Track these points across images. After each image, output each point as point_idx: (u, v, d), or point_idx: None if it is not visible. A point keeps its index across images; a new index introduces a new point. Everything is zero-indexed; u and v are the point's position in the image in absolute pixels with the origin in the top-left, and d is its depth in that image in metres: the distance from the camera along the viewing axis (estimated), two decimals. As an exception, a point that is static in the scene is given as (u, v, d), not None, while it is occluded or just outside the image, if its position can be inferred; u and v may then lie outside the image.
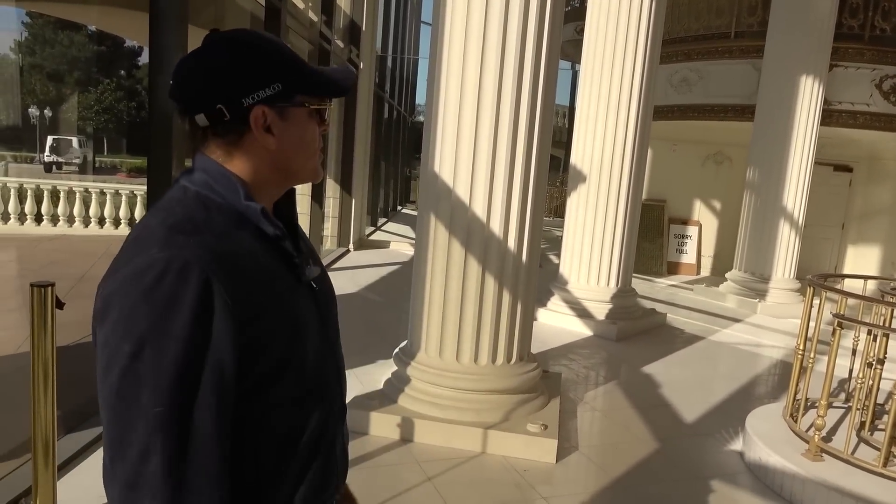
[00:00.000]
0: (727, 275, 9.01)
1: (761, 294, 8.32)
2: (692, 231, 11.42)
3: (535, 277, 3.88)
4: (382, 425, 3.55)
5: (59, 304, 2.07)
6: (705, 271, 11.36)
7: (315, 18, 7.95)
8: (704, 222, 11.44)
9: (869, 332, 3.26)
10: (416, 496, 3.02)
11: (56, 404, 1.99)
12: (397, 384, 3.78)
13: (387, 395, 3.78)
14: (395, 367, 3.91)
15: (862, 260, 10.73)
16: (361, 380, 4.30)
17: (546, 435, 3.48)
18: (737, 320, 7.71)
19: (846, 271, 10.61)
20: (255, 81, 0.95)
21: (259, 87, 0.95)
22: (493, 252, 3.60)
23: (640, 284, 8.69)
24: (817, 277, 3.65)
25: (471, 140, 3.51)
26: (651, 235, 11.17)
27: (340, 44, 9.40)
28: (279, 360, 0.94)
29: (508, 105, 3.47)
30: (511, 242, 3.62)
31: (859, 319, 3.44)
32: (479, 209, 3.56)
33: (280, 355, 0.94)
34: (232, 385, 0.88)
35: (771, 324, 7.62)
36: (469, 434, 3.47)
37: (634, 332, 6.42)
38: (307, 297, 1.03)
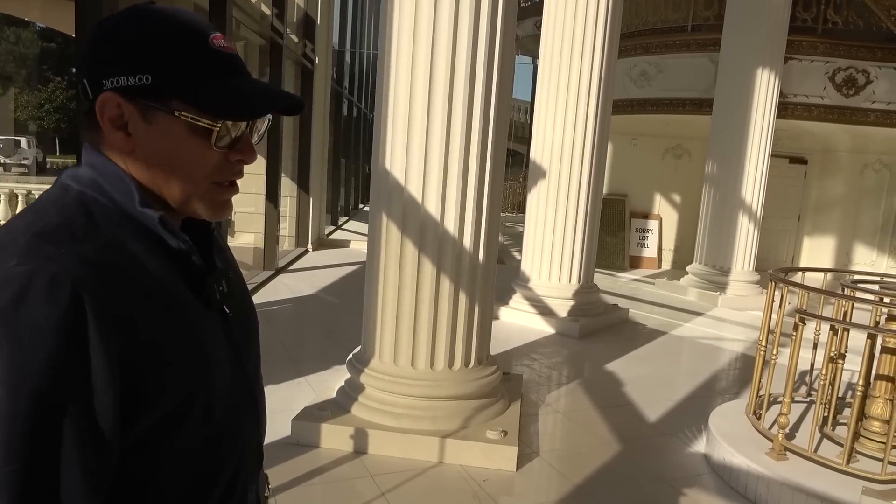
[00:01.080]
0: (688, 268, 9.04)
1: (721, 287, 8.35)
2: (653, 225, 11.46)
3: (493, 277, 3.74)
4: (334, 437, 3.36)
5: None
6: (666, 265, 11.42)
7: (267, 11, 7.68)
8: (665, 216, 11.50)
9: (831, 328, 3.20)
10: (369, 513, 2.86)
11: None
12: (350, 392, 3.60)
13: (339, 405, 3.59)
14: (348, 375, 3.73)
15: (817, 251, 10.93)
16: (315, 388, 4.11)
17: (506, 442, 3.34)
18: (698, 314, 7.71)
19: (803, 262, 10.78)
20: (120, 63, 0.76)
21: (122, 71, 0.76)
22: (448, 252, 3.44)
23: (602, 279, 8.65)
24: (777, 272, 3.59)
25: (422, 134, 3.34)
26: (613, 230, 11.17)
27: (294, 38, 9.13)
28: (179, 404, 0.76)
29: (461, 97, 3.31)
30: (467, 241, 3.47)
31: (821, 314, 3.39)
32: (433, 207, 3.40)
33: (180, 397, 0.76)
34: (113, 435, 0.70)
35: (732, 316, 7.64)
36: (425, 444, 3.31)
37: (597, 328, 6.34)
38: (217, 326, 0.85)
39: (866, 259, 10.64)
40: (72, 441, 0.67)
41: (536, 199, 6.47)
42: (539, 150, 6.41)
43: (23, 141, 28.07)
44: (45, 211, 0.75)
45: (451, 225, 3.42)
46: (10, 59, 35.20)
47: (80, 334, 0.67)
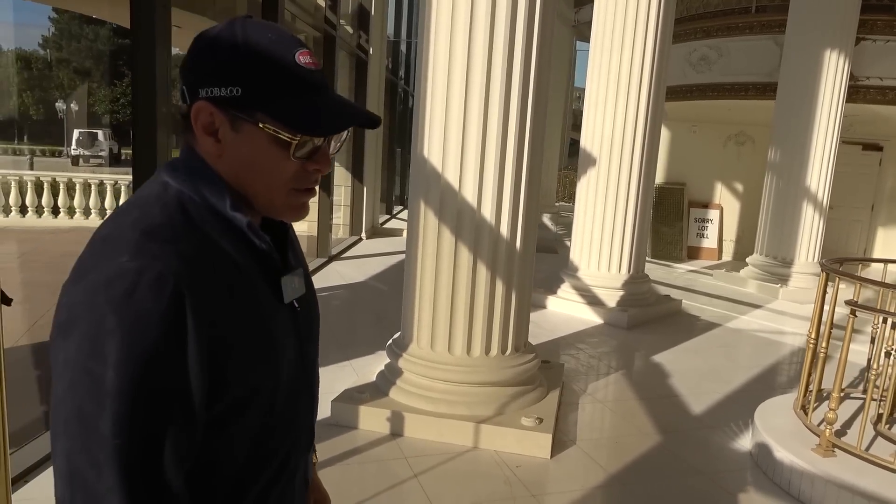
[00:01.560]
0: (748, 259, 8.73)
1: (783, 279, 8.03)
2: (713, 215, 11.10)
3: (531, 265, 3.72)
4: (372, 419, 3.44)
5: (6, 300, 1.98)
6: (727, 256, 11.05)
7: (321, 3, 7.81)
8: (726, 205, 11.11)
9: (885, 320, 3.04)
10: (400, 493, 2.91)
11: (8, 410, 1.90)
12: (389, 377, 3.67)
13: (378, 388, 3.66)
14: (388, 359, 3.80)
15: (894, 243, 10.33)
16: (358, 371, 4.20)
17: (541, 429, 3.33)
18: (757, 306, 7.44)
19: (876, 254, 10.23)
20: (215, 75, 0.83)
21: (217, 82, 0.82)
22: (484, 239, 3.44)
23: (657, 270, 8.47)
24: (831, 262, 3.43)
25: (459, 121, 3.35)
26: (670, 220, 10.89)
27: (349, 29, 9.25)
28: (249, 391, 0.84)
29: (499, 82, 3.30)
30: (504, 228, 3.47)
31: (875, 307, 3.23)
32: (470, 194, 3.41)
33: (251, 386, 0.84)
34: (200, 416, 0.79)
35: (793, 310, 7.34)
36: (460, 428, 3.34)
37: (647, 319, 6.21)
38: (287, 320, 0.92)
39: (947, 252, 9.99)
40: (170, 418, 0.75)
41: (586, 187, 6.38)
42: (589, 138, 6.31)
43: (100, 133, 29.50)
44: (150, 208, 0.82)
45: (487, 212, 3.42)
46: (89, 56, 36.99)
47: (179, 326, 0.75)
